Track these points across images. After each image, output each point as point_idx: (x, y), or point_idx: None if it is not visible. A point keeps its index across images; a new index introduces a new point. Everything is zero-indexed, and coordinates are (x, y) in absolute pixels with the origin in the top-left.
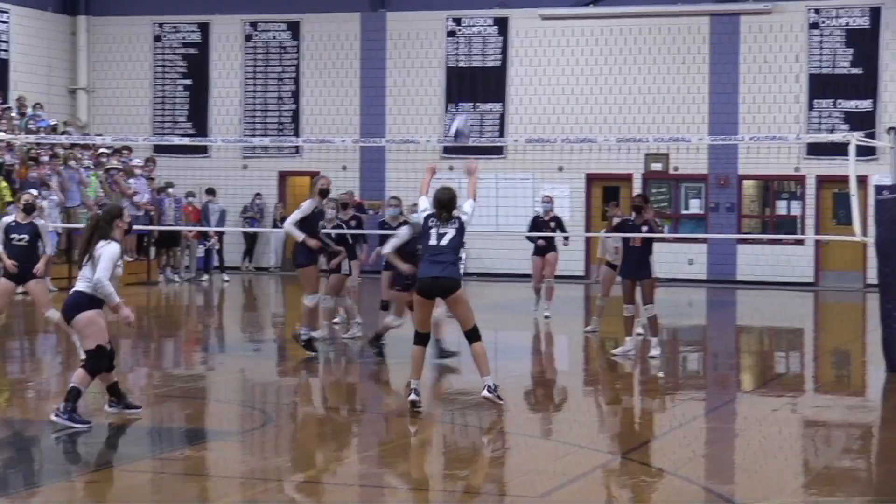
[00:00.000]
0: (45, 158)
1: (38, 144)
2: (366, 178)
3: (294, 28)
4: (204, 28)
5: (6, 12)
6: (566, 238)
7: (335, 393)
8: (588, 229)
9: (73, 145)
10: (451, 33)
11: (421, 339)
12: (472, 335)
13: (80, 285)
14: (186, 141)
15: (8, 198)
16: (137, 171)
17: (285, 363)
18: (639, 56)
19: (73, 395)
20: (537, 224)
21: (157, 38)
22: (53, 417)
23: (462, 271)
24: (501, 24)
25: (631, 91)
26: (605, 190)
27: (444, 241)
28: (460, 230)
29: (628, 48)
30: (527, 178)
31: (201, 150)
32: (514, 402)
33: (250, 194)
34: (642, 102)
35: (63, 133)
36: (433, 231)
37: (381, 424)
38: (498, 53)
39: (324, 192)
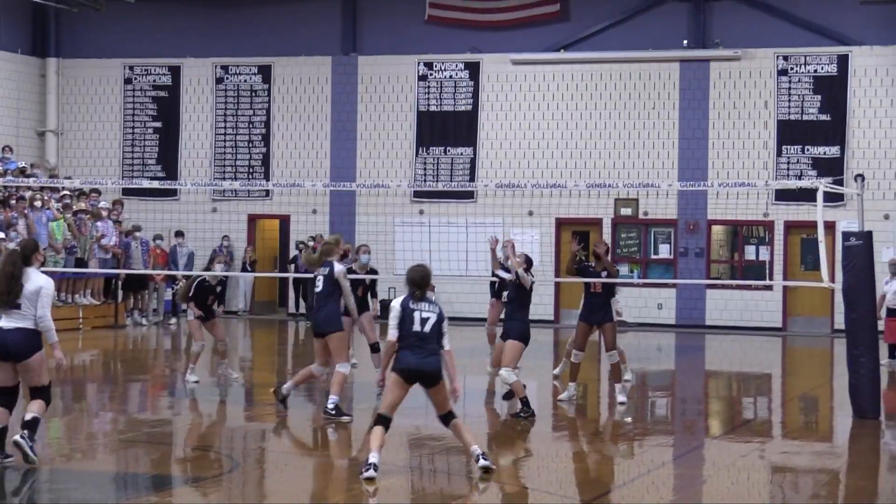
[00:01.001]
0: (13, 202)
1: (4, 187)
2: (335, 223)
3: (265, 71)
4: (175, 71)
5: None
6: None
7: (303, 439)
8: (557, 274)
9: (41, 188)
10: (422, 77)
11: (383, 420)
12: (448, 418)
13: (21, 322)
14: (156, 184)
15: None
16: (105, 214)
17: (252, 408)
18: (609, 101)
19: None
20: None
21: (128, 81)
22: (20, 440)
23: None
24: (473, 68)
25: (601, 136)
26: (575, 234)
27: (428, 328)
28: (441, 316)
29: (598, 94)
30: (497, 223)
31: (171, 193)
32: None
33: (219, 237)
34: (612, 147)
35: (30, 176)
36: (416, 314)
37: (346, 471)
38: (469, 98)
39: (346, 254)
